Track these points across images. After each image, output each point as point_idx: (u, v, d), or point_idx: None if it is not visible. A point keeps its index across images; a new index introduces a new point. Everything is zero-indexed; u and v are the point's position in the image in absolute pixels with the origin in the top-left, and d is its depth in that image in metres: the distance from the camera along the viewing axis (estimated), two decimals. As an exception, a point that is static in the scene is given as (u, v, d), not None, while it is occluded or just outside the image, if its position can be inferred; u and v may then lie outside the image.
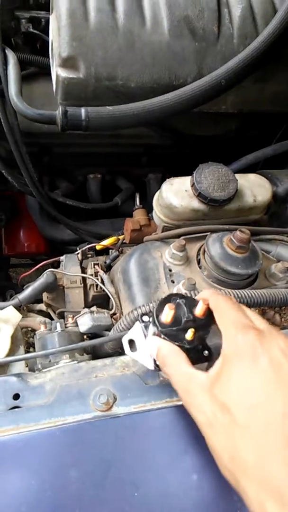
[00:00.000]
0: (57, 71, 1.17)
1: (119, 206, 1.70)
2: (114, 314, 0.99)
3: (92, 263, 1.09)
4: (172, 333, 0.68)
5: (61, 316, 1.12)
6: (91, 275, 1.07)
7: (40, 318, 1.05)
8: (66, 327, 0.95)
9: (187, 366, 0.64)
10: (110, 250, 1.39)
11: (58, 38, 1.12)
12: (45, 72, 1.37)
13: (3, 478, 0.71)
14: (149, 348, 0.71)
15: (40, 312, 1.17)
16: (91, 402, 0.79)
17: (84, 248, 1.20)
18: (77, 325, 0.95)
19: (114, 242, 1.38)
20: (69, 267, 1.12)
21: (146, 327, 0.72)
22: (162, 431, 0.77)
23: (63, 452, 0.74)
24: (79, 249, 1.71)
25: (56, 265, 1.33)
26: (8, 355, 0.96)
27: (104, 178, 1.70)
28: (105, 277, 1.05)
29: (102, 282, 1.05)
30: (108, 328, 0.96)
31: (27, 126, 1.34)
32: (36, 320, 1.06)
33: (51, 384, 0.82)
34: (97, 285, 1.06)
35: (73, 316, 0.97)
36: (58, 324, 0.93)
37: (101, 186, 1.70)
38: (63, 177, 1.69)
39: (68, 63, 1.16)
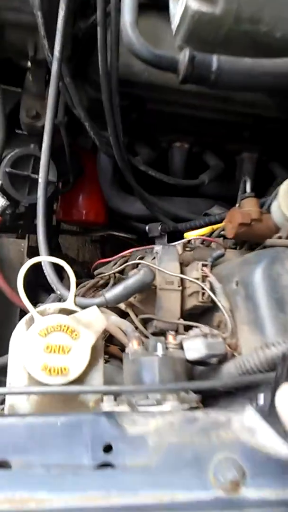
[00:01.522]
0: (187, 2, 0.88)
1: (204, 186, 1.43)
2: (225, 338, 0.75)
3: (200, 263, 0.83)
4: None
5: (145, 322, 0.88)
6: (197, 278, 0.82)
7: (125, 325, 0.82)
8: (166, 348, 0.71)
9: None
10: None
11: None
12: (158, 5, 1.08)
13: None
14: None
15: (114, 310, 0.93)
16: (212, 476, 0.56)
17: (188, 240, 0.94)
18: (181, 348, 0.71)
19: (208, 233, 1.12)
20: (166, 262, 0.87)
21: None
22: None
23: None
24: (149, 228, 1.47)
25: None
26: (86, 369, 0.73)
27: (191, 149, 1.42)
28: (217, 285, 0.80)
29: (213, 291, 0.80)
30: (220, 358, 0.71)
31: (126, 71, 1.06)
32: (121, 324, 0.82)
33: (155, 437, 0.59)
34: (203, 293, 0.81)
35: (175, 334, 0.73)
36: (159, 346, 0.69)
37: (186, 159, 1.42)
38: (144, 141, 1.41)
39: (204, -8, 0.87)
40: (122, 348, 0.93)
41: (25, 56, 1.09)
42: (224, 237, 1.07)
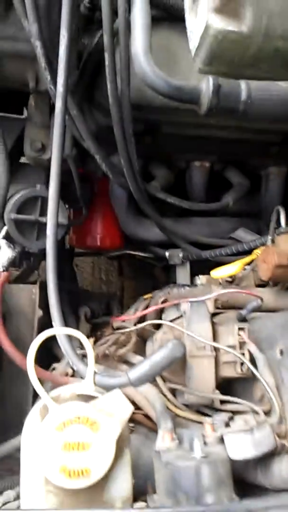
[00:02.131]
0: (208, 19, 0.75)
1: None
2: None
3: (236, 326, 0.72)
4: None
5: (172, 393, 0.77)
6: (232, 347, 0.71)
7: (153, 397, 0.71)
8: (204, 443, 0.60)
9: None
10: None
11: None
12: (170, 16, 0.95)
13: None
14: None
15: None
16: None
17: (215, 295, 0.82)
18: (221, 441, 0.60)
19: (239, 271, 1.00)
20: (196, 325, 0.76)
21: None
22: None
23: None
24: (169, 255, 1.36)
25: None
26: (112, 464, 0.63)
27: (212, 167, 1.29)
28: (259, 356, 0.68)
29: (253, 362, 0.68)
30: (269, 452, 0.60)
31: (138, 97, 0.94)
32: (148, 394, 0.72)
33: None
34: (242, 364, 0.70)
35: (213, 424, 0.62)
36: (197, 444, 0.58)
37: (207, 179, 1.30)
38: (159, 161, 1.29)
39: (227, 8, 0.73)
40: (148, 415, 0.83)
41: (26, 85, 0.97)
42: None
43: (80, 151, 1.12)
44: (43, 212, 1.01)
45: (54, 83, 0.84)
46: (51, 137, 1.07)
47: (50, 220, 0.82)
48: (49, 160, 1.05)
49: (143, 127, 1.06)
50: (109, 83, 0.87)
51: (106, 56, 0.83)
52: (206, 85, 0.72)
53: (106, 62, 0.84)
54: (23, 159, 1.23)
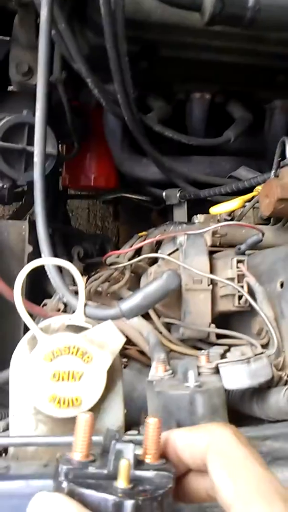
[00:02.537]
0: None
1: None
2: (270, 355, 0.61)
3: (235, 258, 0.68)
4: None
5: (167, 328, 0.75)
6: (231, 279, 0.67)
7: (146, 330, 0.69)
8: (199, 374, 0.58)
9: None
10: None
11: None
12: None
13: None
14: None
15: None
16: None
17: (214, 227, 0.77)
18: (216, 372, 0.58)
19: (238, 207, 0.95)
20: (192, 257, 0.72)
21: None
22: None
23: None
24: (166, 195, 1.30)
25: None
26: (103, 395, 0.62)
27: (213, 99, 1.21)
28: (259, 289, 0.65)
29: (251, 294, 0.65)
30: (266, 382, 0.58)
31: (133, 10, 0.85)
32: (142, 328, 0.70)
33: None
34: (240, 297, 0.67)
35: (208, 355, 0.60)
36: (191, 374, 0.56)
37: (207, 112, 1.21)
38: (157, 92, 1.20)
39: None
40: (141, 350, 0.82)
41: (9, -2, 0.88)
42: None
43: (72, 77, 1.04)
44: (31, 141, 0.93)
45: (39, -12, 0.75)
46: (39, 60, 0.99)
47: (37, 146, 0.76)
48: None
49: (138, 48, 0.97)
50: (101, -9, 0.78)
51: None
52: (211, -13, 0.64)
53: None
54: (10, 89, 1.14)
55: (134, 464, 0.33)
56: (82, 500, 0.31)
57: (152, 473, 0.34)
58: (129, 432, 0.61)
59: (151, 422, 0.35)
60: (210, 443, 0.35)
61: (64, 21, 0.84)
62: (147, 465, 0.35)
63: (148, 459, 0.35)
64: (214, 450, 0.34)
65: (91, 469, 0.33)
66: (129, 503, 0.30)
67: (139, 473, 0.33)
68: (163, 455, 0.36)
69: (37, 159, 0.75)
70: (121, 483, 0.31)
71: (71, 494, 0.31)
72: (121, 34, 0.84)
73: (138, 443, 0.36)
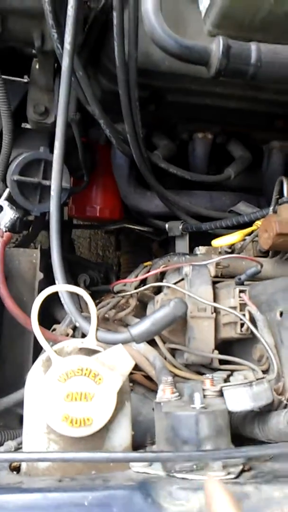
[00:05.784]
0: (220, -21, 0.74)
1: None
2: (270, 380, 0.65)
3: (237, 288, 0.73)
4: None
5: (172, 354, 0.79)
6: (234, 307, 0.72)
7: (152, 356, 0.73)
8: (204, 396, 0.62)
9: None
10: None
11: None
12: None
13: None
14: None
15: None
16: None
17: (218, 259, 0.83)
18: (220, 395, 0.62)
19: (239, 240, 1.01)
20: (197, 287, 0.77)
21: None
22: None
23: None
24: (169, 227, 1.36)
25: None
26: (112, 415, 0.65)
27: (215, 140, 1.29)
28: (260, 317, 0.70)
29: (253, 322, 0.70)
30: (267, 405, 0.62)
31: (144, 61, 0.93)
32: (148, 353, 0.74)
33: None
34: (242, 325, 0.71)
35: (212, 379, 0.64)
36: (197, 395, 0.60)
37: (209, 151, 1.29)
38: (162, 131, 1.29)
39: None
40: (147, 375, 0.85)
41: (30, 45, 0.96)
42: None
43: (83, 118, 1.12)
44: (46, 176, 1.00)
45: (61, 41, 0.83)
46: (54, 101, 1.07)
47: (54, 181, 0.82)
48: (52, 124, 1.05)
49: (148, 94, 1.05)
50: (117, 44, 0.86)
51: (115, 15, 0.82)
52: (216, 45, 0.71)
53: (114, 22, 0.83)
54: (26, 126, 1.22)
55: None
56: None
57: None
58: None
59: None
60: None
61: (81, 69, 0.92)
62: None
63: None
64: None
65: None
66: None
67: None
68: None
69: (53, 193, 0.81)
70: None
71: None
72: (133, 82, 0.92)
73: None
